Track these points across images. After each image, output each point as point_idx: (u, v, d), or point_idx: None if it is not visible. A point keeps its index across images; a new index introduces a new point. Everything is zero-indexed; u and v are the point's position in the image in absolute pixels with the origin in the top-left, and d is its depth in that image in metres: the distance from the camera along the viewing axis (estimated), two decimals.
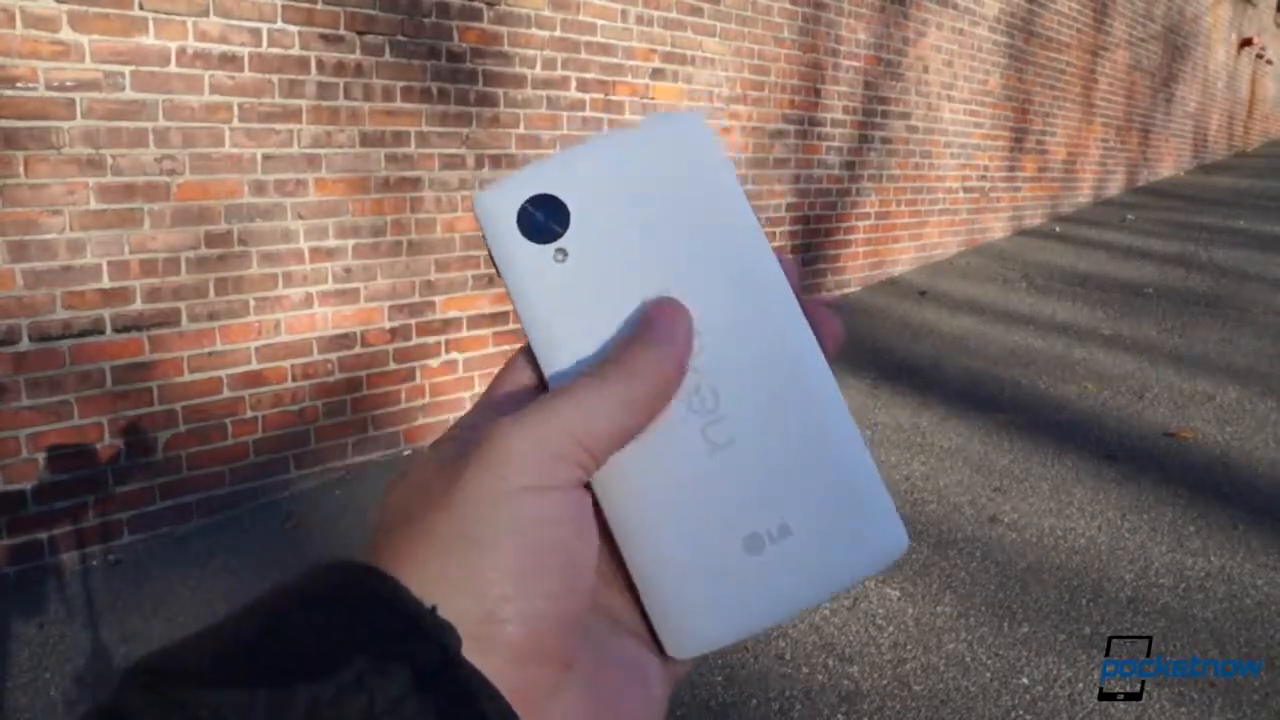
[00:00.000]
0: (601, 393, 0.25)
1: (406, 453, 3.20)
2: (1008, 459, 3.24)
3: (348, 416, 3.04)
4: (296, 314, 2.86)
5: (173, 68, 2.50)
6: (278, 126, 2.73)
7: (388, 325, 3.10)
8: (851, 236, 5.31)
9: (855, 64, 5.06)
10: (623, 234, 0.29)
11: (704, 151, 0.29)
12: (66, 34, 2.31)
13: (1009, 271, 6.00)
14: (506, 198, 0.29)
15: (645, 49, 3.83)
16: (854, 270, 5.41)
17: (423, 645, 0.21)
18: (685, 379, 0.27)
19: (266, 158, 2.72)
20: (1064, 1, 7.15)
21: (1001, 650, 2.17)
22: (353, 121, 2.90)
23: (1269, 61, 13.97)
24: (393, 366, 3.14)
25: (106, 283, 2.46)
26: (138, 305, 2.53)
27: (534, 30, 3.37)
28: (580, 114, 3.58)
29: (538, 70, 3.40)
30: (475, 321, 3.35)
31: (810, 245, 5.00)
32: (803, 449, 0.28)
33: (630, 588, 0.28)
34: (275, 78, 2.71)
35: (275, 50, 2.70)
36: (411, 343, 3.18)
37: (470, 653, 0.21)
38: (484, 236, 0.29)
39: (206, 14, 2.54)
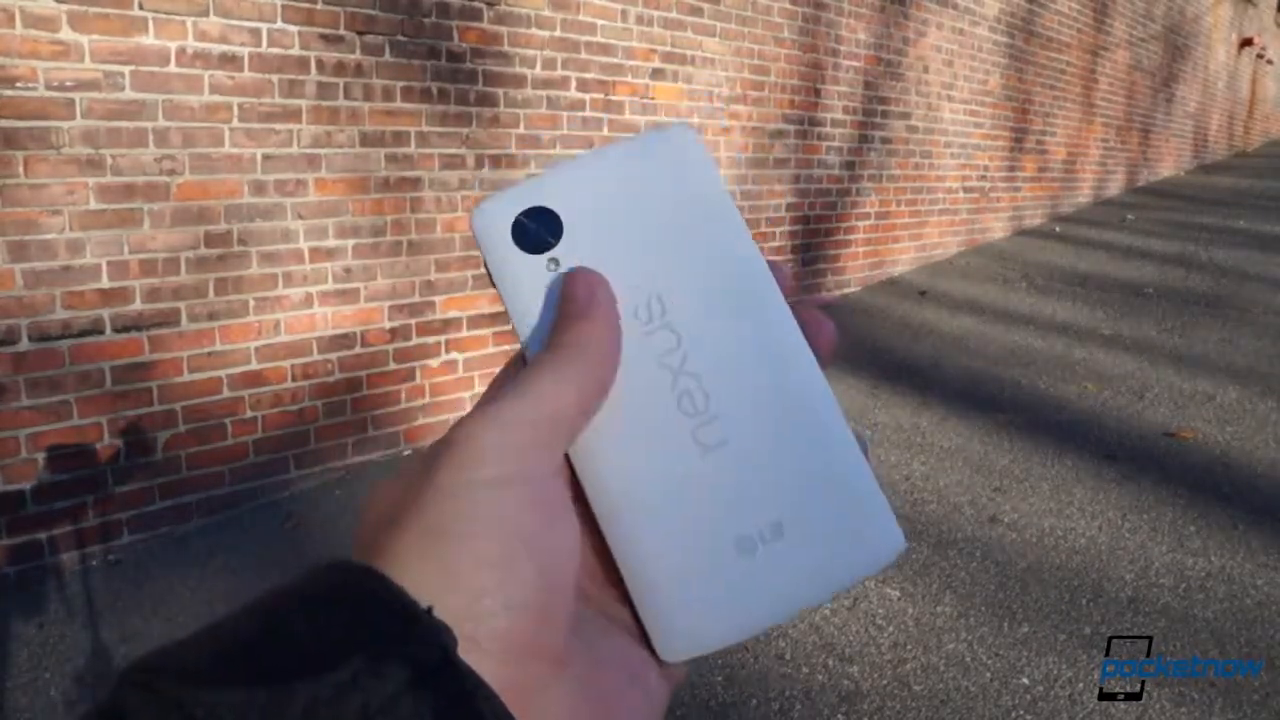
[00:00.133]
0: (548, 376, 0.26)
1: (406, 453, 3.20)
2: (1008, 459, 3.24)
3: (348, 416, 3.04)
4: (296, 314, 2.86)
5: (172, 68, 2.50)
6: (278, 126, 2.73)
7: (388, 325, 3.10)
8: (851, 236, 5.31)
9: (855, 64, 5.06)
10: (613, 243, 0.29)
11: (694, 163, 0.30)
12: (66, 34, 2.31)
13: (1009, 271, 6.00)
14: (502, 211, 0.30)
15: (645, 49, 3.83)
16: (854, 270, 5.41)
17: (422, 645, 0.21)
18: (676, 381, 0.28)
19: (266, 158, 2.72)
20: (1064, 1, 7.15)
21: (1002, 650, 2.17)
22: (353, 121, 2.90)
23: (1269, 61, 13.97)
24: (393, 366, 3.14)
25: (106, 283, 2.46)
26: (137, 305, 2.53)
27: (534, 30, 3.37)
28: (580, 114, 3.58)
29: (538, 70, 3.40)
30: (475, 321, 3.35)
31: (810, 245, 5.00)
32: (794, 451, 0.28)
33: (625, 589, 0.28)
34: (275, 78, 2.71)
35: (275, 50, 2.70)
36: (411, 343, 3.18)
37: (460, 651, 0.21)
38: (480, 249, 0.30)
39: (206, 14, 2.54)
